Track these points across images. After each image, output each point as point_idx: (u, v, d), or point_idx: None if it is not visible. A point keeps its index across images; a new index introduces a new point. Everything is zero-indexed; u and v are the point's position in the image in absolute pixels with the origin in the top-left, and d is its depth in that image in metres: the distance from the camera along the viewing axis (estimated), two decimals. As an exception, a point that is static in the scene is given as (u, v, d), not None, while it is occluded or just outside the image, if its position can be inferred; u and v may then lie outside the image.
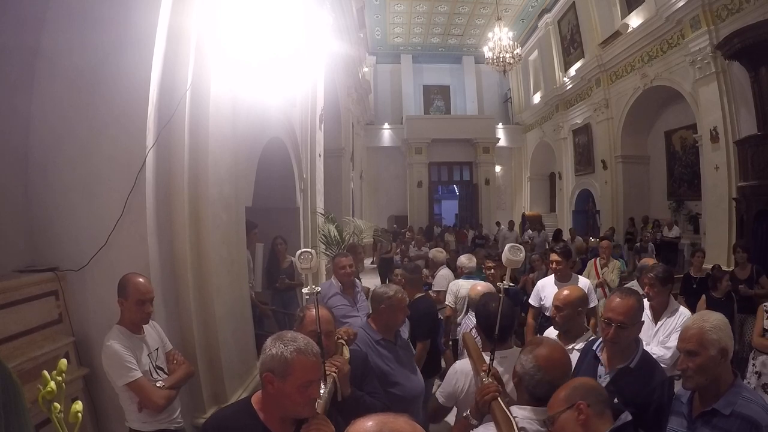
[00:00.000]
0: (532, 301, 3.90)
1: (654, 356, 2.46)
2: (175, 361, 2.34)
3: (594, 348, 2.11)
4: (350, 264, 3.50)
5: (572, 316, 2.41)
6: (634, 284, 4.02)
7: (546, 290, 3.75)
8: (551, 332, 2.65)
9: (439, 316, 5.05)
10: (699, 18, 7.92)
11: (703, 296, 4.46)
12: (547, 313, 3.64)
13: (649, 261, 4.17)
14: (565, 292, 2.49)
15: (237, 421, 1.42)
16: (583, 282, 3.68)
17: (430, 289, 5.29)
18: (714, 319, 1.63)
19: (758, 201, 6.93)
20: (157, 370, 2.23)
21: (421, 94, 18.98)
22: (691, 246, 9.04)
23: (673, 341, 2.75)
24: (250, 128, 3.69)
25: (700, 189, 8.85)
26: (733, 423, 1.51)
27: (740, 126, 7.46)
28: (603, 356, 2.05)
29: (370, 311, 2.75)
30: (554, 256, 3.78)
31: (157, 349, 2.28)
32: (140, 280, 2.19)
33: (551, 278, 3.85)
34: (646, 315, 2.94)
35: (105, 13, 2.50)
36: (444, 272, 5.20)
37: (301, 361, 1.34)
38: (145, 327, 2.25)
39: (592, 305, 3.53)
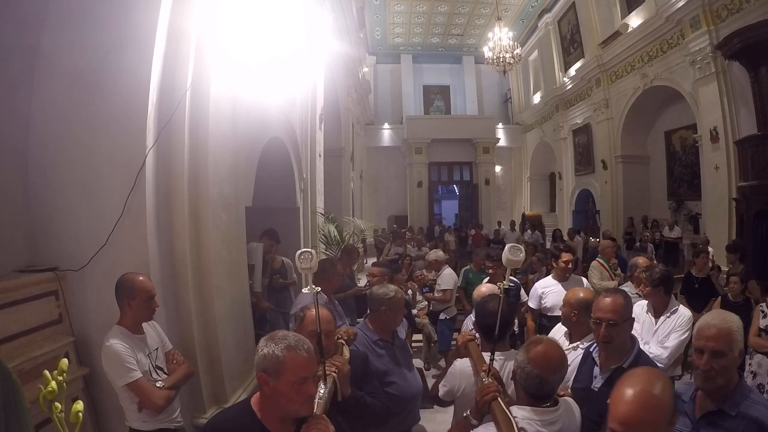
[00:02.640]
0: (531, 303, 3.87)
1: (651, 355, 2.46)
2: (174, 361, 2.34)
3: (591, 351, 2.11)
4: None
5: (567, 315, 2.43)
6: (628, 285, 4.03)
7: (547, 290, 3.74)
8: (557, 331, 2.66)
9: (445, 316, 5.10)
10: (699, 18, 7.92)
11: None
12: (549, 314, 3.65)
13: (639, 259, 4.16)
14: (573, 292, 2.50)
15: (236, 422, 1.42)
16: (582, 282, 3.70)
17: (431, 291, 5.30)
18: (736, 319, 1.61)
19: (758, 201, 6.93)
20: (157, 370, 2.23)
21: (421, 94, 18.99)
22: (691, 246, 9.05)
23: (672, 341, 2.76)
24: (250, 128, 3.68)
25: (700, 189, 8.86)
26: (739, 424, 1.48)
27: (740, 126, 7.46)
28: (599, 358, 2.06)
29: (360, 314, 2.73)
30: (568, 256, 3.76)
31: (156, 349, 2.28)
32: (142, 278, 2.20)
33: (549, 279, 3.84)
34: (647, 314, 2.95)
35: (105, 13, 2.50)
36: (449, 271, 5.25)
37: (293, 358, 1.33)
38: (145, 327, 2.25)
39: None
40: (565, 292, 3.42)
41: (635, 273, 3.99)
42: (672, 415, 1.18)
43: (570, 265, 3.75)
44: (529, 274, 6.63)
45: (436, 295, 5.19)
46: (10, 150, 2.50)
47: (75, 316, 2.53)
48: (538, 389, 1.58)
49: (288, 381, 1.32)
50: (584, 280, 3.85)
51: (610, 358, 1.99)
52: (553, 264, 4.06)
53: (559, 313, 2.83)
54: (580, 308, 2.41)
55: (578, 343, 2.39)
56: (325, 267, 3.26)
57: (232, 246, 3.22)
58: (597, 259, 5.25)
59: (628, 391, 1.16)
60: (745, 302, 4.09)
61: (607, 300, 1.99)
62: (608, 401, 1.21)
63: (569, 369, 1.88)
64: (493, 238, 13.01)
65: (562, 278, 3.74)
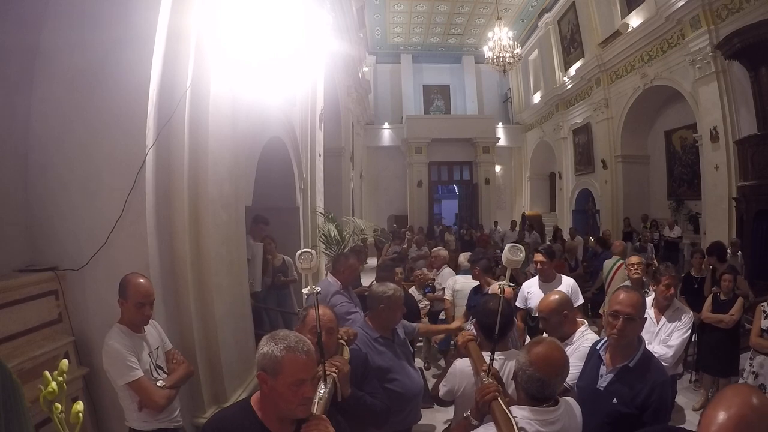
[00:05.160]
0: (518, 303, 3.80)
1: (656, 355, 2.46)
2: (174, 361, 2.33)
3: (598, 348, 2.11)
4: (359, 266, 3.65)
5: (559, 321, 2.38)
6: (627, 284, 4.03)
7: (531, 290, 3.73)
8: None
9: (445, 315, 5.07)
10: (699, 18, 7.92)
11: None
12: (534, 314, 3.62)
13: (633, 258, 4.16)
14: (549, 298, 2.44)
15: (236, 421, 1.42)
16: (567, 282, 3.67)
17: (432, 291, 5.28)
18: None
19: (758, 201, 6.93)
20: (158, 369, 2.23)
21: (421, 94, 18.98)
22: (691, 246, 9.05)
23: (675, 340, 2.76)
24: (250, 128, 3.69)
25: (700, 189, 8.85)
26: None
27: (740, 126, 7.46)
28: (606, 356, 2.05)
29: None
30: (539, 257, 3.74)
31: (157, 348, 2.28)
32: (141, 281, 2.17)
33: (536, 279, 3.82)
34: (649, 314, 2.95)
35: (105, 13, 2.50)
36: (449, 270, 5.26)
37: (291, 359, 1.33)
38: (146, 326, 2.25)
39: (578, 303, 3.52)
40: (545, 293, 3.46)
41: (630, 273, 3.99)
42: None
43: (539, 266, 3.72)
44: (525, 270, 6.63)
45: (435, 294, 5.19)
46: (10, 150, 2.50)
47: (75, 316, 2.53)
48: (540, 392, 1.58)
49: (285, 382, 1.32)
50: (565, 279, 3.77)
51: (617, 357, 1.99)
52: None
53: None
54: (567, 305, 2.41)
55: (567, 341, 2.37)
56: (338, 260, 3.55)
57: (232, 245, 3.22)
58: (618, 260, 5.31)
59: (720, 415, 1.00)
60: (733, 299, 4.16)
61: (627, 295, 1.99)
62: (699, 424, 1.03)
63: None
64: (518, 240, 11.75)
65: (544, 279, 3.71)
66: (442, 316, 5.12)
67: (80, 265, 2.47)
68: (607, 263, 5.85)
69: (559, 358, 1.63)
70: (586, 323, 2.53)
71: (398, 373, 2.42)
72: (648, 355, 2.02)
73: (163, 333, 2.38)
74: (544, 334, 2.60)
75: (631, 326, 1.94)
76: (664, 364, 2.53)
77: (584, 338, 2.34)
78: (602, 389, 1.96)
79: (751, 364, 3.52)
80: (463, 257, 4.78)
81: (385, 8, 14.96)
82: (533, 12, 15.22)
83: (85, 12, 2.52)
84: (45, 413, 0.91)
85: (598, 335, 2.50)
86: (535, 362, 1.58)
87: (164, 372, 2.26)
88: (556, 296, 2.44)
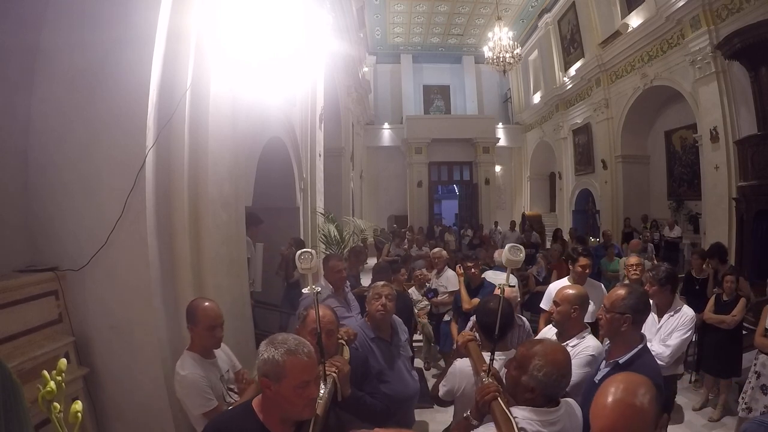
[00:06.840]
0: (544, 305, 3.67)
1: (653, 353, 2.46)
2: (244, 380, 2.29)
3: (605, 344, 2.15)
4: (345, 267, 3.50)
5: (567, 314, 2.38)
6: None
7: None
8: (549, 331, 2.64)
9: (449, 317, 5.03)
10: (699, 18, 7.92)
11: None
12: None
13: (631, 258, 4.15)
14: (569, 289, 2.47)
15: (237, 424, 1.42)
16: (602, 286, 3.63)
17: (435, 295, 5.20)
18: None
19: (758, 201, 6.92)
20: (229, 393, 2.21)
21: (421, 94, 18.98)
22: (691, 246, 9.05)
23: (674, 339, 2.76)
24: (250, 128, 3.69)
25: (700, 189, 8.85)
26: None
27: (740, 126, 7.46)
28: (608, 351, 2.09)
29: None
30: (585, 260, 3.60)
31: (228, 370, 2.27)
32: (208, 304, 2.17)
33: (565, 281, 3.72)
34: (651, 313, 2.94)
35: (105, 13, 2.51)
36: (452, 272, 5.19)
37: (293, 362, 1.33)
38: (216, 350, 2.24)
39: None
40: None
41: (629, 274, 3.97)
42: (656, 419, 1.09)
43: (587, 270, 3.60)
44: (527, 266, 6.62)
45: (440, 298, 5.12)
46: (10, 149, 2.50)
47: (75, 316, 2.53)
48: None
49: (290, 385, 1.32)
50: (601, 285, 3.72)
51: (614, 352, 2.01)
52: (569, 266, 3.93)
53: None
54: (581, 303, 2.40)
55: (566, 342, 2.36)
56: (324, 263, 3.50)
57: (232, 245, 3.22)
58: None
59: (605, 403, 1.09)
60: (735, 299, 4.15)
61: (614, 289, 2.15)
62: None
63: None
64: (526, 241, 11.18)
65: (579, 282, 3.57)
66: (446, 318, 5.08)
67: (80, 265, 2.47)
68: (622, 261, 5.88)
69: (561, 360, 1.63)
70: (589, 329, 2.52)
71: (390, 375, 2.38)
72: (643, 354, 2.01)
73: (232, 354, 2.38)
74: (548, 329, 2.61)
75: (608, 317, 2.01)
76: (660, 363, 2.53)
77: (585, 344, 2.33)
78: (597, 382, 1.98)
79: (755, 364, 3.52)
80: (498, 254, 4.79)
81: (385, 8, 14.95)
82: (533, 12, 15.22)
83: (85, 12, 2.52)
84: (45, 413, 0.91)
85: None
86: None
87: (235, 393, 2.23)
88: (575, 290, 2.44)
